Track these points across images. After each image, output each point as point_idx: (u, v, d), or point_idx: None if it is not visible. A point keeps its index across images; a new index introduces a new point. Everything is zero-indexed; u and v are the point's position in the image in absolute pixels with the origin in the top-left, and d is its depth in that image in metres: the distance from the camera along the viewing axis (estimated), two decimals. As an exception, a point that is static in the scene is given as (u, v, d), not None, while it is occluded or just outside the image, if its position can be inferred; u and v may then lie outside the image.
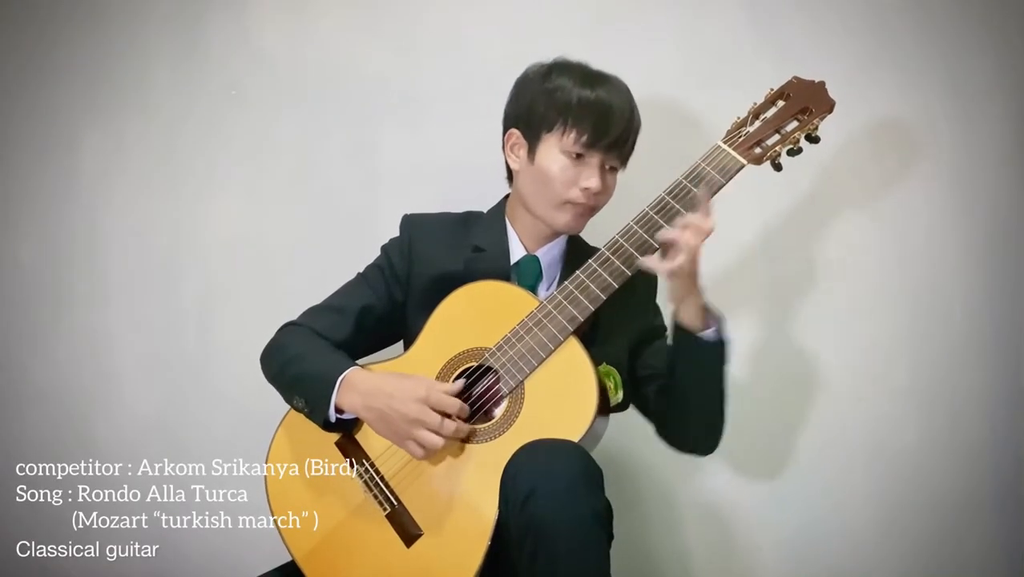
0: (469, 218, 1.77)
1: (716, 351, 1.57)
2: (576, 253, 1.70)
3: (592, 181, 1.61)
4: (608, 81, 1.65)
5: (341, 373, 1.57)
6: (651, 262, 1.50)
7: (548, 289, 1.70)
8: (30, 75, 2.18)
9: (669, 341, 1.61)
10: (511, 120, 1.70)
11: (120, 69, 2.18)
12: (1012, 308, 2.02)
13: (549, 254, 1.71)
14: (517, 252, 1.71)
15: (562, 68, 1.66)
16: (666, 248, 1.51)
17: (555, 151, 1.62)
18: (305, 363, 1.62)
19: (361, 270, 1.77)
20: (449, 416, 1.51)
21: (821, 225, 2.05)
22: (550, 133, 1.62)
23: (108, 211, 2.17)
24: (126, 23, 2.18)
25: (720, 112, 1.61)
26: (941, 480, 2.02)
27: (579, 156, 1.61)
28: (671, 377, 1.61)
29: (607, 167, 1.64)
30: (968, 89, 2.02)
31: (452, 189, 1.96)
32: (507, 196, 1.77)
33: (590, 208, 1.65)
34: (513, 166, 1.70)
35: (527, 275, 1.70)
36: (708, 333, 1.56)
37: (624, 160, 1.67)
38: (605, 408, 1.54)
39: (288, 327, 1.71)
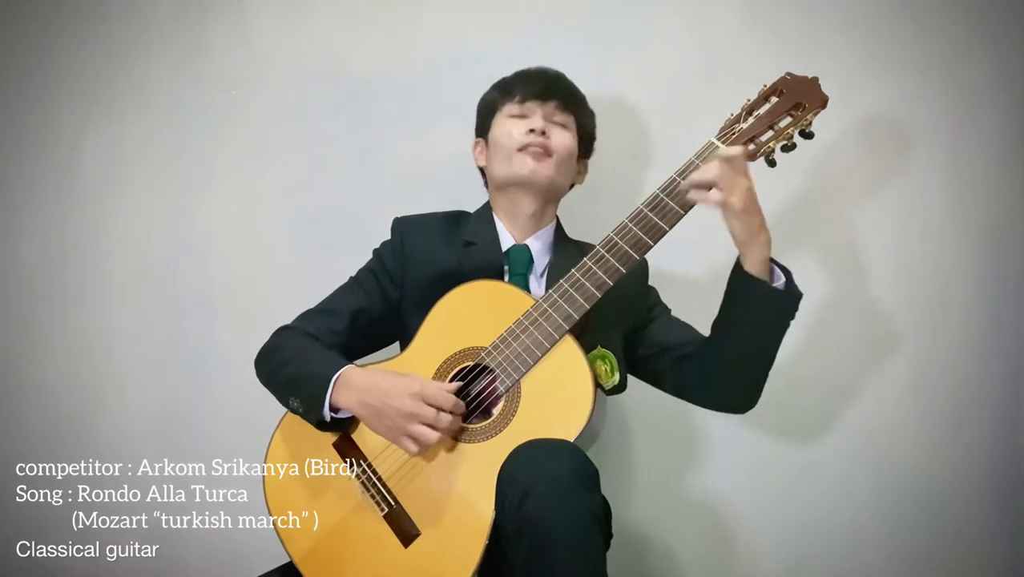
0: (457, 217, 1.81)
1: (787, 302, 1.53)
2: (564, 241, 1.79)
3: (535, 122, 1.74)
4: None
5: (336, 371, 1.57)
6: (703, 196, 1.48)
7: (541, 276, 1.73)
8: (32, 76, 2.19)
9: (728, 289, 1.56)
10: (475, 134, 1.85)
11: (121, 70, 2.19)
12: (1012, 307, 2.01)
13: (538, 242, 1.76)
14: (506, 242, 1.76)
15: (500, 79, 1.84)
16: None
17: (502, 119, 1.78)
18: (300, 364, 1.63)
19: (355, 273, 1.79)
20: (444, 410, 1.51)
21: (818, 223, 2.05)
22: (496, 113, 1.80)
23: (109, 211, 2.17)
24: (127, 24, 2.19)
25: (717, 111, 1.60)
26: (941, 479, 2.01)
27: (523, 116, 1.76)
28: (724, 328, 1.58)
29: (554, 121, 1.76)
30: (966, 86, 2.01)
31: (451, 190, 1.96)
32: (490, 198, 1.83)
33: (543, 151, 1.72)
34: (480, 163, 1.83)
35: (518, 263, 1.73)
36: (779, 284, 1.53)
37: (570, 113, 1.79)
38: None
39: (282, 330, 1.73)
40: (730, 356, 1.59)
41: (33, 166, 2.18)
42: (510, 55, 1.80)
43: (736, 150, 1.49)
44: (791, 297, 1.54)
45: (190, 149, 2.17)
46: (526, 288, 1.69)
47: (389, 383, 1.54)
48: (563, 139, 1.76)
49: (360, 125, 2.13)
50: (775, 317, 1.55)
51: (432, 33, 2.13)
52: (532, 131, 1.72)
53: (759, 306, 1.53)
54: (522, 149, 1.72)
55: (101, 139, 2.18)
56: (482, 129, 1.83)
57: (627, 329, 1.69)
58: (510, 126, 1.75)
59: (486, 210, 1.80)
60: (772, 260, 1.54)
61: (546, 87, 1.77)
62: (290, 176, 2.15)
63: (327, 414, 1.57)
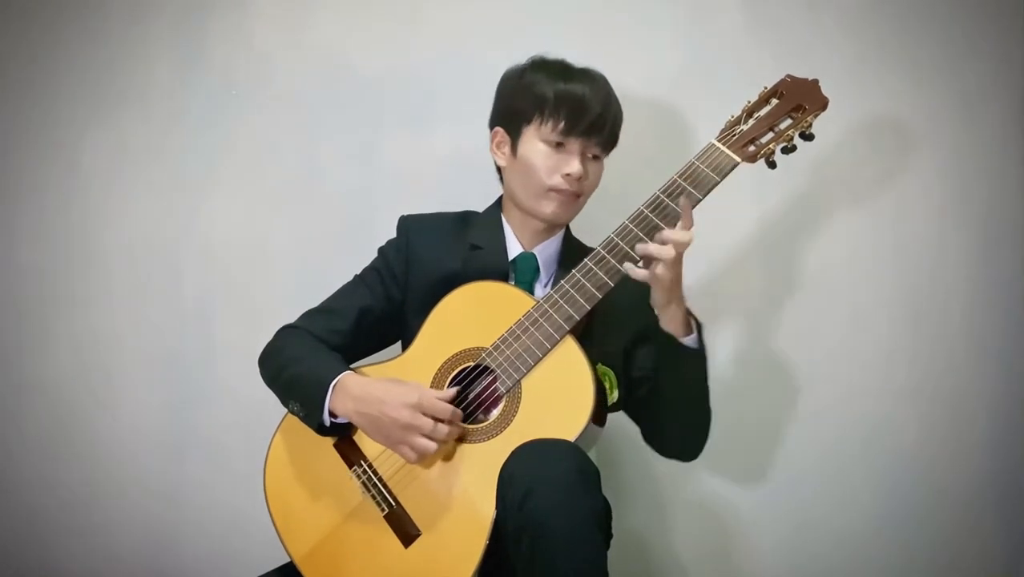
0: (466, 217, 1.79)
1: (695, 358, 1.58)
2: (572, 250, 1.73)
3: (573, 167, 1.64)
4: (584, 73, 1.69)
5: (334, 378, 1.56)
6: (632, 270, 1.51)
7: (545, 286, 1.71)
8: (32, 76, 2.18)
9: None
10: (494, 119, 1.75)
11: (121, 70, 2.19)
12: (1012, 308, 2.01)
13: (546, 251, 1.73)
14: (514, 249, 1.73)
15: (538, 65, 1.71)
16: (647, 259, 1.51)
17: (535, 141, 1.66)
18: (299, 367, 1.62)
19: (359, 272, 1.78)
20: (442, 421, 1.51)
21: (818, 224, 2.04)
22: (529, 125, 1.67)
23: (109, 211, 2.17)
24: (128, 24, 2.19)
25: (717, 113, 1.61)
26: (940, 480, 2.01)
27: (559, 145, 1.66)
28: (656, 381, 1.62)
29: (589, 155, 1.68)
30: (966, 88, 2.02)
31: (453, 190, 1.96)
32: (502, 196, 1.79)
33: (574, 195, 1.67)
34: (499, 163, 1.74)
35: (524, 271, 1.71)
36: (688, 340, 1.56)
37: (606, 147, 1.70)
38: (602, 409, 1.54)
39: (286, 330, 1.72)
40: (662, 406, 1.63)
41: (35, 166, 2.18)
42: (511, 55, 1.79)
43: (687, 236, 1.49)
44: (696, 351, 1.58)
45: (192, 149, 2.16)
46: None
47: (386, 393, 1.53)
48: (595, 176, 1.69)
49: (361, 125, 2.13)
50: (688, 371, 1.59)
51: (432, 33, 2.12)
52: (568, 175, 1.64)
53: (672, 358, 1.57)
54: (552, 189, 1.66)
55: (103, 139, 2.17)
56: (507, 122, 1.71)
57: (627, 343, 1.68)
58: (544, 155, 1.65)
59: (495, 213, 1.77)
60: (689, 313, 1.58)
61: (594, 124, 1.64)
62: (291, 175, 2.15)
63: (326, 419, 1.57)
